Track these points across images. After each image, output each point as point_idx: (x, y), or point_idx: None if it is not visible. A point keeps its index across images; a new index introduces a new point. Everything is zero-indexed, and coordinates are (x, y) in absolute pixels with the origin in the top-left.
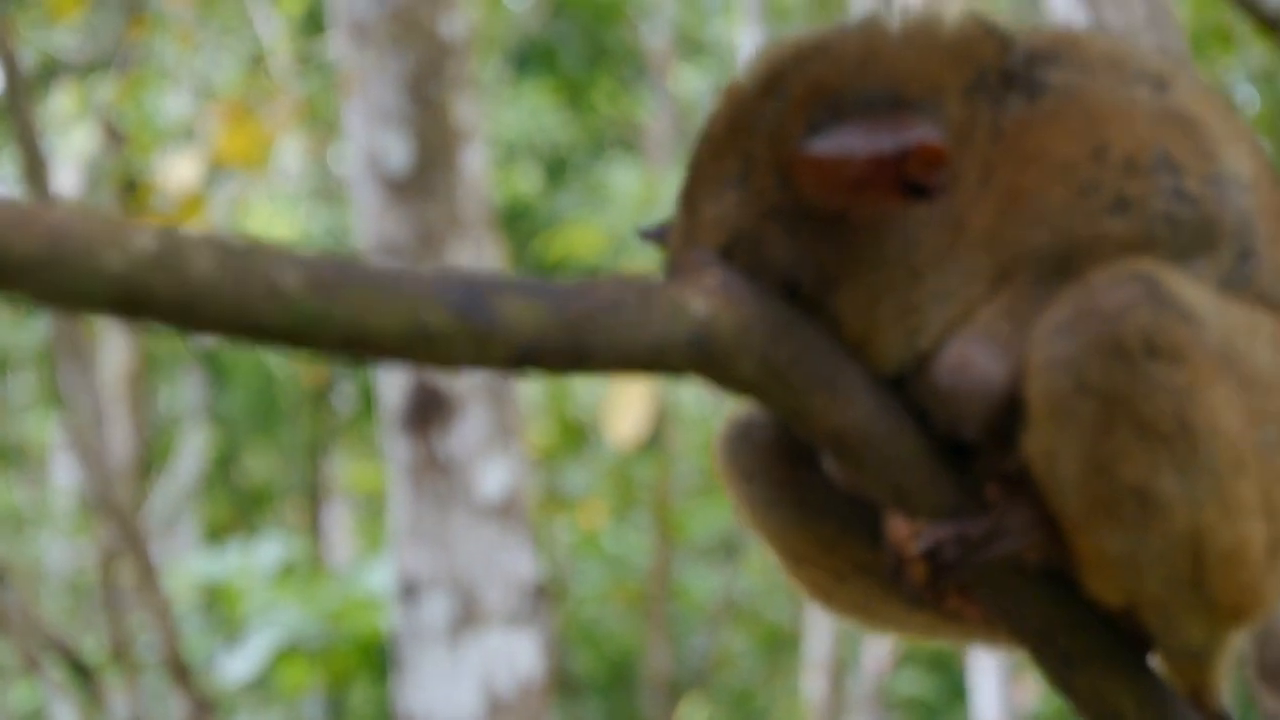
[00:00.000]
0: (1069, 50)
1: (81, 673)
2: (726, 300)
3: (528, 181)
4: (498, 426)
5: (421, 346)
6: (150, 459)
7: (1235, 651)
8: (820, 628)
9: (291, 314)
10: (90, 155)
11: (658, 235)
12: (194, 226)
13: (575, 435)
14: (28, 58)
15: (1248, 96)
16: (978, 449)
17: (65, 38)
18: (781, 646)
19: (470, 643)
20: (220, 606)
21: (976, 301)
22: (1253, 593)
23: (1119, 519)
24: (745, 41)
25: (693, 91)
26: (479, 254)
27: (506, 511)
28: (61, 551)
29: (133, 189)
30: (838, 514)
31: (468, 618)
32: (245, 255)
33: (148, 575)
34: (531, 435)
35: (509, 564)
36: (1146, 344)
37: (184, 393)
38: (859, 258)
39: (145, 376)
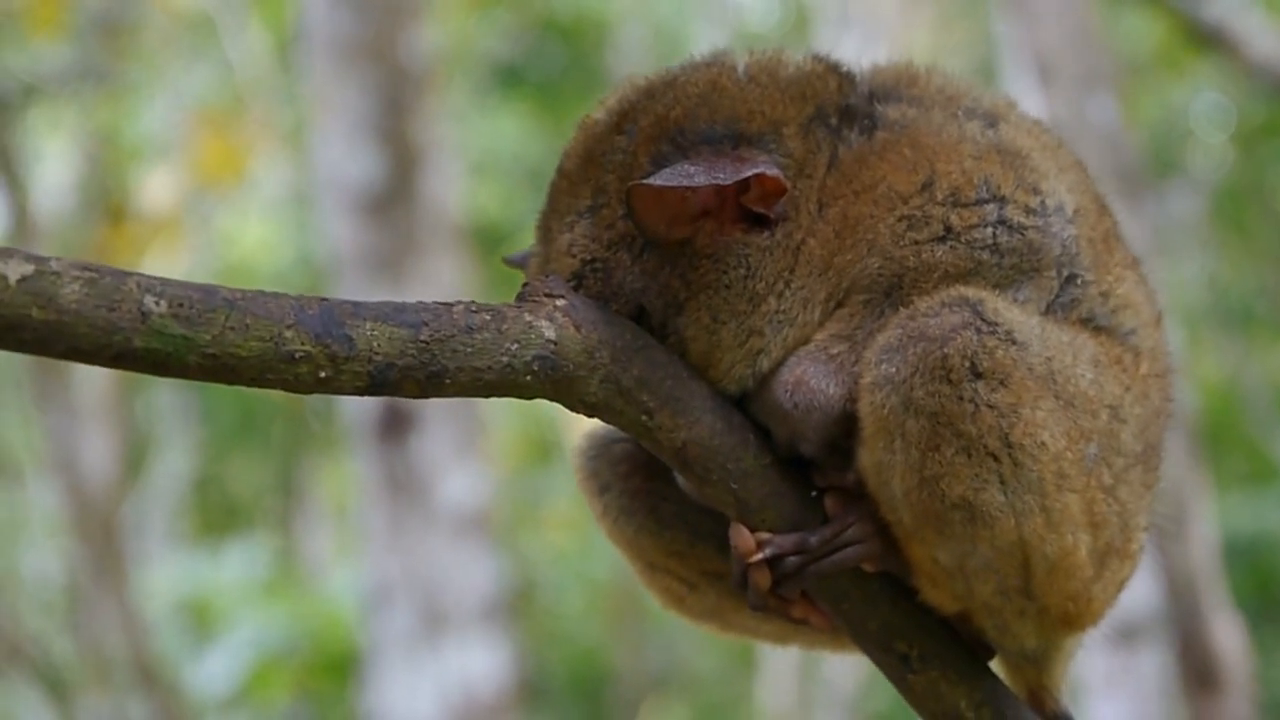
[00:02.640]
0: (908, 87)
1: (52, 682)
2: (575, 324)
3: (500, 198)
4: (462, 440)
5: (282, 368)
6: (130, 470)
7: (1072, 655)
8: None
9: (160, 338)
10: (72, 175)
11: (519, 262)
12: (172, 243)
13: (542, 449)
14: (6, 80)
15: (1220, 108)
16: (817, 463)
17: (43, 59)
18: (746, 655)
19: (437, 650)
20: (198, 615)
21: (813, 325)
22: (1082, 600)
23: (948, 530)
24: None
25: None
26: (444, 269)
27: (472, 522)
28: (39, 561)
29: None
30: (689, 524)
31: (434, 625)
32: (114, 280)
33: (122, 585)
34: (501, 450)
35: (474, 573)
36: (971, 366)
37: (164, 404)
38: (703, 283)
39: (126, 388)
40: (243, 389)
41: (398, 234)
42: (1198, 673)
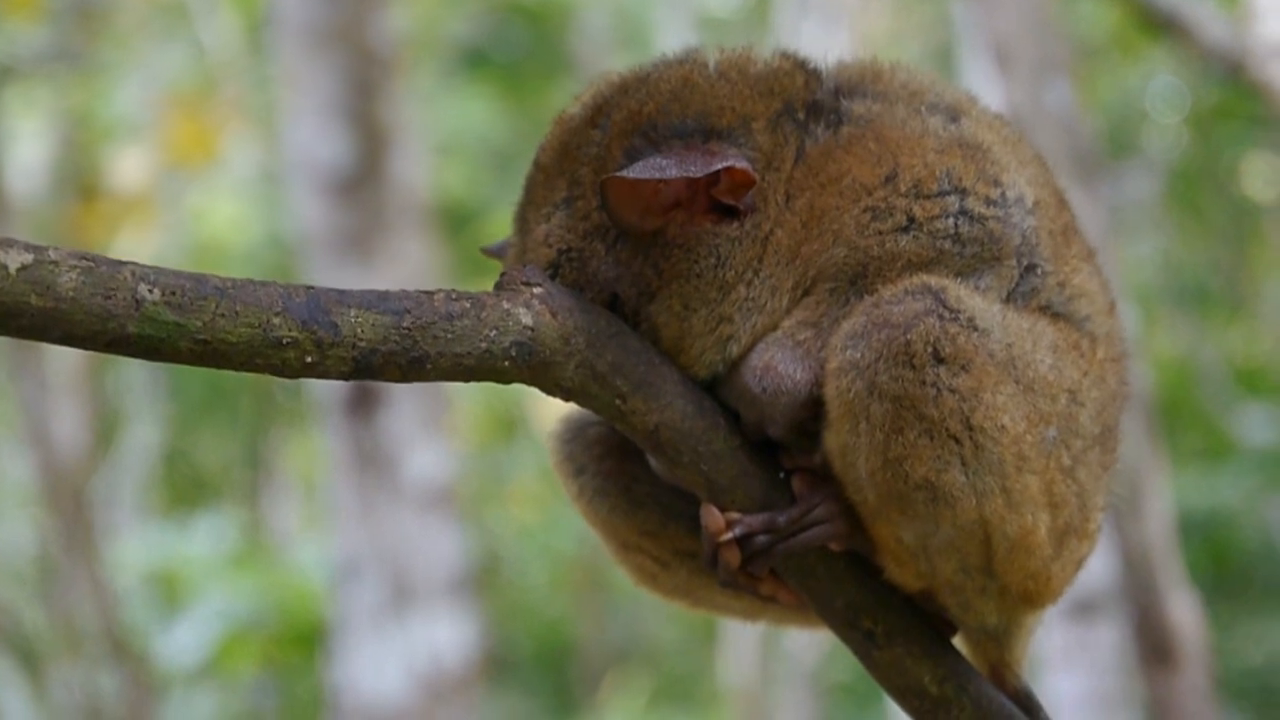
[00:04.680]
0: (872, 82)
1: (24, 651)
2: (551, 311)
3: (467, 179)
4: (428, 416)
5: (270, 354)
6: (100, 443)
7: (1032, 632)
8: None
9: (153, 325)
10: (46, 154)
11: (497, 252)
12: (144, 221)
13: (508, 426)
14: None
15: (1175, 90)
16: (785, 445)
17: (19, 41)
18: (708, 628)
19: (404, 623)
20: (167, 587)
21: (781, 312)
22: (1042, 578)
23: (911, 510)
24: (673, 46)
25: None
26: (411, 248)
27: (438, 497)
28: (11, 532)
29: (90, 191)
30: (661, 504)
31: (401, 599)
32: (110, 269)
33: (92, 556)
34: (467, 426)
35: (441, 547)
36: (933, 351)
37: (133, 378)
38: (674, 272)
39: (97, 364)
40: None
41: (366, 214)
42: (1153, 648)
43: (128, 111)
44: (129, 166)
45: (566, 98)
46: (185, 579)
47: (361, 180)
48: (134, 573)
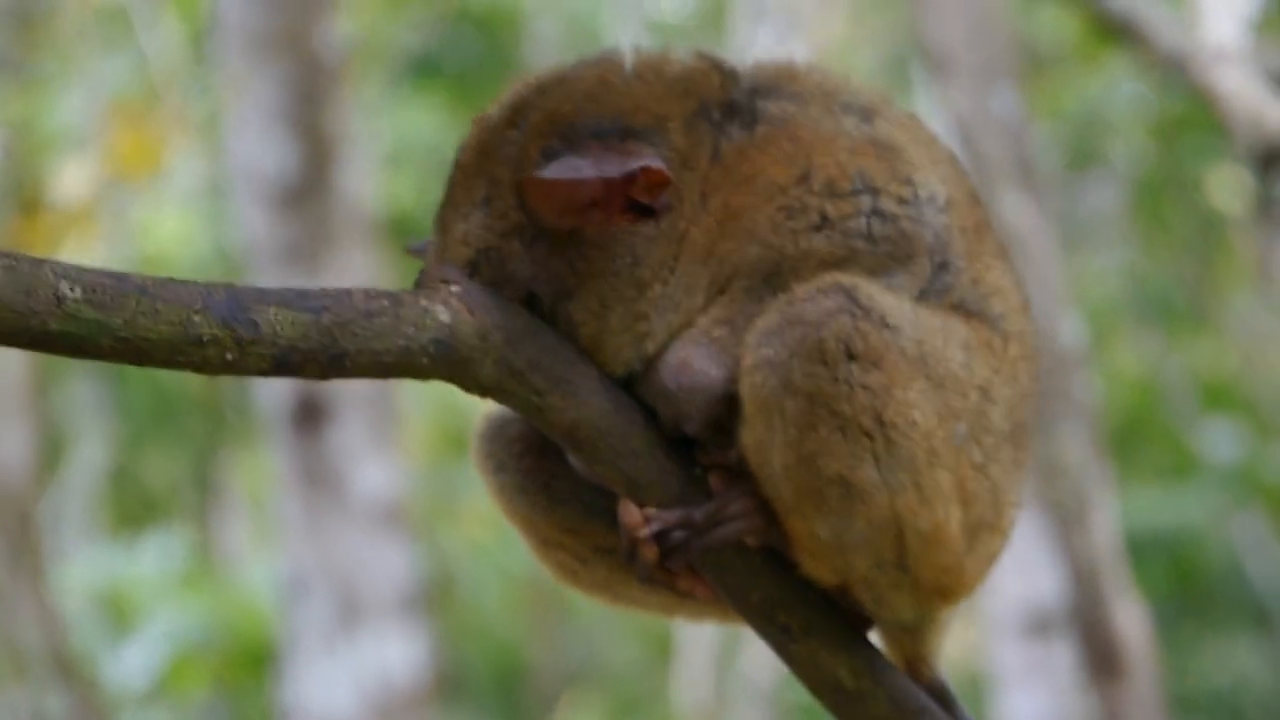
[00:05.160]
0: (788, 83)
1: None
2: (468, 309)
3: (416, 189)
4: (377, 431)
5: (191, 351)
6: (47, 463)
7: (947, 626)
8: (698, 631)
9: (75, 323)
10: None
11: (419, 251)
12: (87, 234)
13: (459, 443)
14: None
15: (1139, 99)
16: (701, 442)
17: None
18: (663, 648)
19: (354, 642)
20: (115, 608)
21: (697, 310)
22: (954, 573)
23: (825, 506)
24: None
25: None
26: (358, 260)
27: (388, 514)
28: None
29: (32, 204)
30: (581, 501)
31: (350, 618)
32: (31, 267)
33: (39, 578)
34: (417, 442)
35: (391, 565)
36: (846, 348)
37: (80, 396)
38: (591, 271)
39: (42, 381)
40: (159, 379)
41: (312, 226)
42: (1102, 660)
43: (70, 122)
44: (72, 178)
45: None
46: (133, 600)
47: (307, 191)
48: (81, 594)
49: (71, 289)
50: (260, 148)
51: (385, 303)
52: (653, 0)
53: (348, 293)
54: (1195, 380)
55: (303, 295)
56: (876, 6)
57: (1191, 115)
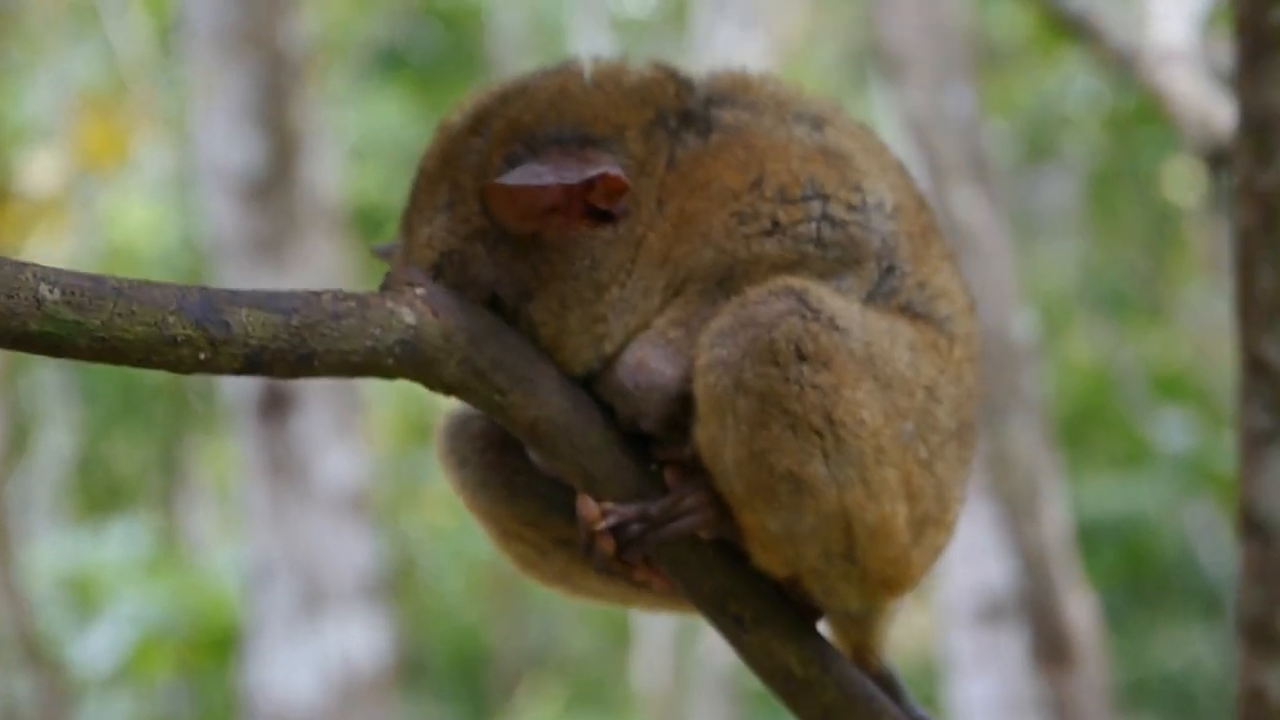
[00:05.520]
0: (742, 92)
1: None
2: (433, 310)
3: (382, 182)
4: (341, 420)
5: (166, 350)
6: (13, 450)
7: (893, 616)
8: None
9: (53, 323)
10: None
11: (385, 253)
12: (56, 225)
13: (422, 431)
14: None
15: (1094, 94)
16: (657, 439)
17: None
18: (621, 634)
19: (317, 628)
20: (81, 593)
21: (653, 311)
22: (900, 565)
23: (776, 500)
24: (587, 48)
25: None
26: (324, 252)
27: (351, 501)
28: None
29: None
30: (540, 495)
31: (314, 604)
32: (11, 270)
33: (6, 562)
34: (380, 430)
35: (354, 552)
36: (796, 349)
37: (47, 383)
38: (551, 273)
39: (9, 369)
40: (125, 370)
41: (278, 218)
42: (1051, 648)
43: (38, 113)
44: (40, 169)
45: None
46: (99, 585)
47: (273, 184)
48: (48, 578)
49: (51, 291)
50: (227, 141)
51: (352, 304)
52: None
53: (316, 295)
54: (1148, 370)
55: (273, 297)
56: (835, 2)
57: (1145, 110)
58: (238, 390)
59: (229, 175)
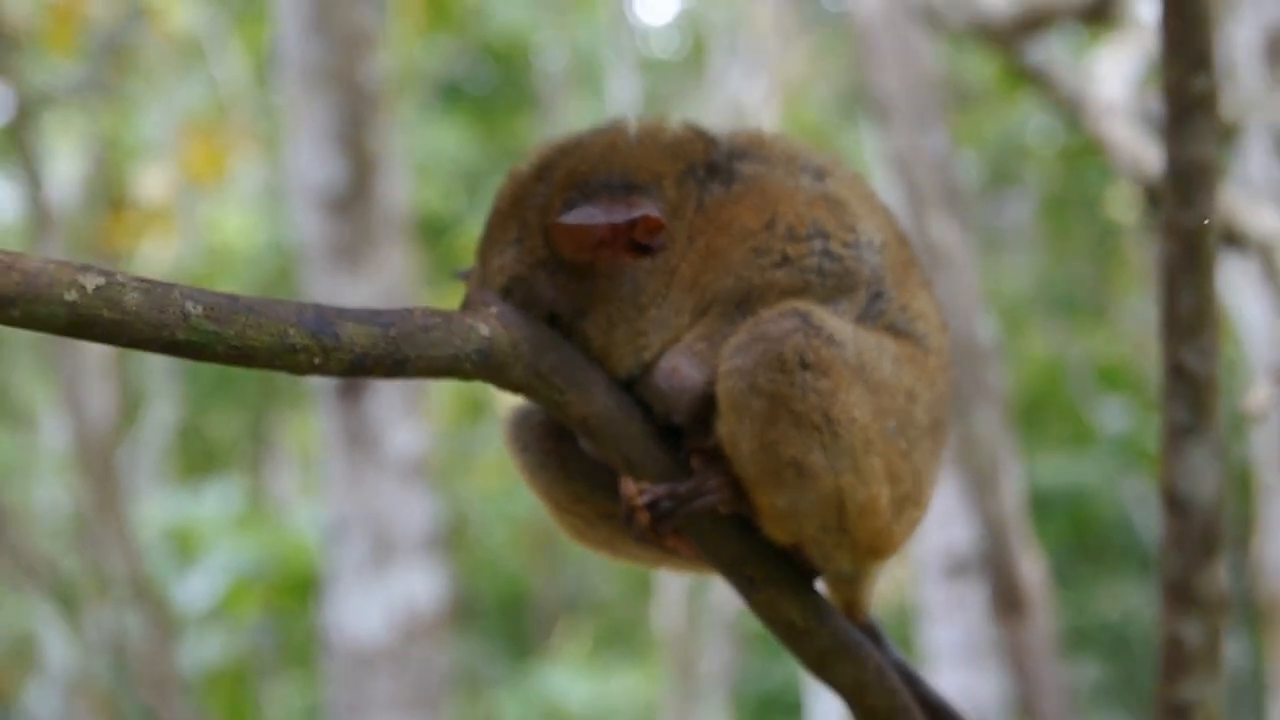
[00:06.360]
0: (757, 148)
1: (62, 596)
2: (504, 325)
3: (442, 195)
4: (407, 400)
5: (287, 357)
6: (126, 418)
7: (877, 578)
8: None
9: (197, 334)
10: (80, 172)
11: (464, 276)
12: (164, 230)
13: (474, 410)
14: (26, 90)
15: (1049, 129)
16: (685, 431)
17: (58, 73)
18: (644, 583)
19: (384, 576)
20: (181, 543)
21: (684, 328)
22: (884, 536)
23: (783, 483)
24: (620, 85)
25: (584, 116)
26: (394, 257)
27: (415, 468)
28: (50, 494)
29: (118, 205)
30: (588, 476)
31: (382, 555)
32: (163, 290)
33: (119, 515)
34: (440, 409)
35: (416, 511)
36: (800, 360)
37: (154, 362)
38: (601, 296)
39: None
40: None
41: (356, 228)
42: (1006, 599)
43: (151, 135)
44: (152, 183)
45: (528, 127)
46: (197, 536)
47: (352, 199)
48: (154, 530)
49: (194, 307)
50: (313, 161)
51: (439, 320)
52: (644, 40)
53: (409, 311)
54: (1093, 364)
55: (375, 314)
56: (832, 49)
57: (1091, 145)
58: None
59: (314, 190)
